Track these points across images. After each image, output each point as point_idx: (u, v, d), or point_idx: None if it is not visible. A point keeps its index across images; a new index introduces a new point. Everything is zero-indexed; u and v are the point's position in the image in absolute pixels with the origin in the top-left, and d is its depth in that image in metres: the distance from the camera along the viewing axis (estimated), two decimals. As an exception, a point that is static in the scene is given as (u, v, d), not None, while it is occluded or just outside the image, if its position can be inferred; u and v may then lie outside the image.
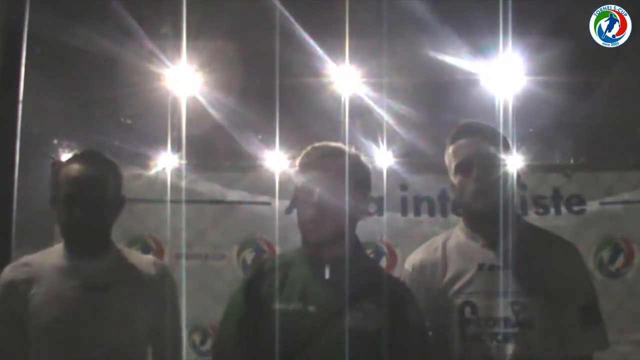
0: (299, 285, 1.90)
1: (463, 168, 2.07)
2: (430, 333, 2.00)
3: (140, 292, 2.12)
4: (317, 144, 1.98)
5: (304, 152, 1.97)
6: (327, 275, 1.89)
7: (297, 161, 1.98)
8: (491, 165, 2.04)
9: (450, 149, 2.14)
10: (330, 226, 1.89)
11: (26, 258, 2.16)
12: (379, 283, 1.92)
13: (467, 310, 2.00)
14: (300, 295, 1.88)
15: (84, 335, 2.02)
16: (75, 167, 2.09)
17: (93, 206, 2.05)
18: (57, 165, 2.17)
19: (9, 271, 2.12)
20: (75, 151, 2.29)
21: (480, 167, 2.04)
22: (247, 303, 1.93)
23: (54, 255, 2.13)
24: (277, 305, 1.87)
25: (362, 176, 1.98)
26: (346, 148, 1.98)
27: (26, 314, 2.03)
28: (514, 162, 2.13)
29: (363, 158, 2.01)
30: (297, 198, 1.97)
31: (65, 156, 3.47)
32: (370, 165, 2.05)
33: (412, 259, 2.18)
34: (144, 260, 2.25)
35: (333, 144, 1.99)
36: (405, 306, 1.91)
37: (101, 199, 2.08)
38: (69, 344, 2.01)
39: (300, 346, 1.81)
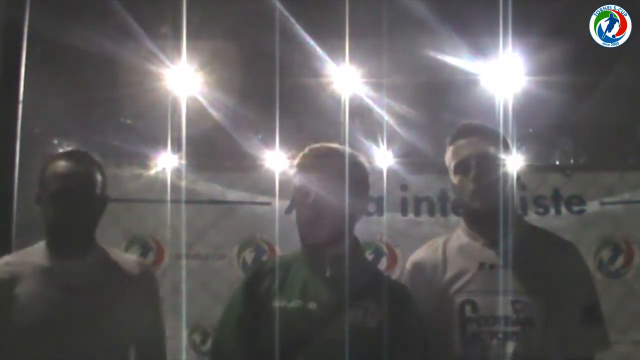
0: (299, 283, 1.91)
1: (462, 168, 2.08)
2: (427, 332, 2.00)
3: (122, 293, 2.09)
4: (314, 145, 1.99)
5: (301, 154, 1.98)
6: (327, 273, 1.90)
7: (295, 162, 1.98)
8: (490, 165, 2.04)
9: (450, 149, 2.15)
10: (327, 226, 1.89)
11: (6, 258, 2.13)
12: (378, 282, 1.92)
13: (468, 308, 2.00)
14: (300, 293, 1.88)
15: (65, 337, 1.99)
16: (62, 165, 2.07)
17: (79, 205, 2.03)
18: (43, 162, 2.14)
19: None
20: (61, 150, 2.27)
21: (479, 167, 2.04)
22: (246, 303, 1.93)
23: (35, 254, 2.10)
24: (278, 303, 1.88)
25: (359, 176, 1.98)
26: (344, 148, 1.98)
27: (9, 315, 1.99)
28: (513, 162, 2.13)
29: (361, 158, 2.01)
30: (295, 199, 1.98)
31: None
32: (368, 165, 2.04)
33: (413, 259, 2.19)
34: (126, 260, 2.21)
35: (330, 144, 1.99)
36: (404, 305, 1.91)
37: (87, 197, 2.06)
38: (50, 346, 1.97)
39: (301, 343, 1.81)
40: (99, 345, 2.01)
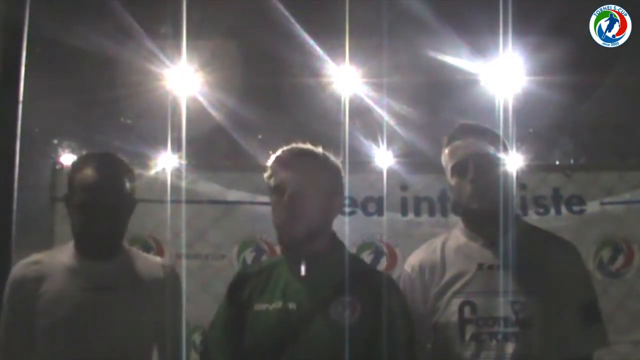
0: (280, 285, 1.94)
1: (459, 169, 2.08)
2: (413, 321, 2.00)
3: (146, 294, 2.13)
4: (286, 147, 2.03)
5: (274, 155, 2.02)
6: (303, 272, 1.92)
7: (269, 164, 2.01)
8: (487, 166, 2.04)
9: (446, 151, 2.14)
10: (303, 225, 1.92)
11: (36, 256, 2.16)
12: (358, 275, 1.94)
13: (467, 309, 2.00)
14: (281, 294, 1.91)
15: (90, 336, 2.03)
16: (90, 168, 2.09)
17: (110, 210, 2.06)
18: (71, 165, 2.16)
19: (19, 269, 2.12)
20: (88, 152, 2.29)
21: (475, 168, 2.04)
22: (231, 308, 1.98)
23: (64, 254, 2.14)
24: (260, 306, 1.91)
25: (332, 174, 2.02)
26: (316, 148, 2.02)
27: (34, 312, 2.04)
28: (511, 163, 2.13)
29: (332, 158, 2.05)
30: (271, 200, 2.00)
31: (65, 156, 3.47)
32: (339, 165, 2.07)
33: (412, 260, 2.19)
34: (151, 262, 2.26)
35: (302, 145, 2.03)
36: (386, 296, 1.93)
37: (118, 202, 2.09)
38: (75, 344, 2.02)
39: (285, 345, 1.84)
40: (123, 345, 2.05)
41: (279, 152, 2.01)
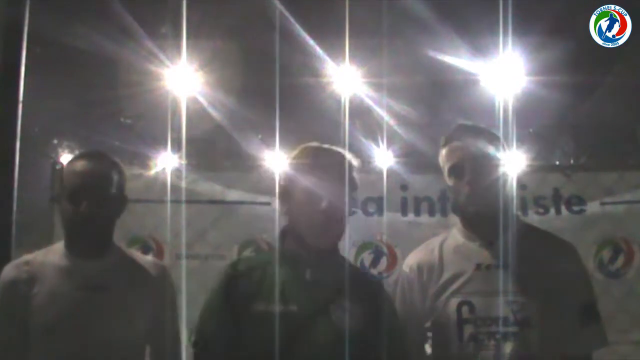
0: (279, 286, 1.90)
1: (456, 171, 2.07)
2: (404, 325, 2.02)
3: (139, 293, 2.12)
4: (308, 145, 1.99)
5: (295, 153, 1.98)
6: (308, 276, 1.91)
7: (291, 162, 1.98)
8: (484, 167, 2.03)
9: (443, 152, 2.14)
10: (340, 230, 1.93)
11: (26, 257, 2.15)
12: (355, 280, 1.94)
13: (465, 309, 2.00)
14: (281, 296, 1.88)
15: (84, 336, 2.02)
16: (80, 166, 2.09)
17: (97, 204, 2.05)
18: (64, 165, 2.16)
19: (10, 270, 2.11)
20: (79, 151, 2.28)
21: (473, 169, 2.03)
22: (227, 305, 1.92)
23: (54, 254, 2.13)
24: (260, 307, 1.87)
25: (354, 176, 1.99)
26: (336, 148, 2.00)
27: (27, 314, 2.03)
28: (509, 163, 2.13)
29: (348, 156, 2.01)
30: (300, 202, 1.92)
31: (65, 156, 3.47)
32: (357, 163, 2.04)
33: (410, 260, 2.19)
34: (143, 261, 2.25)
35: (322, 145, 2.00)
36: (381, 298, 1.95)
37: (105, 197, 2.08)
38: (69, 344, 2.01)
39: (287, 346, 1.82)
40: (116, 345, 2.04)
41: (301, 150, 1.96)
